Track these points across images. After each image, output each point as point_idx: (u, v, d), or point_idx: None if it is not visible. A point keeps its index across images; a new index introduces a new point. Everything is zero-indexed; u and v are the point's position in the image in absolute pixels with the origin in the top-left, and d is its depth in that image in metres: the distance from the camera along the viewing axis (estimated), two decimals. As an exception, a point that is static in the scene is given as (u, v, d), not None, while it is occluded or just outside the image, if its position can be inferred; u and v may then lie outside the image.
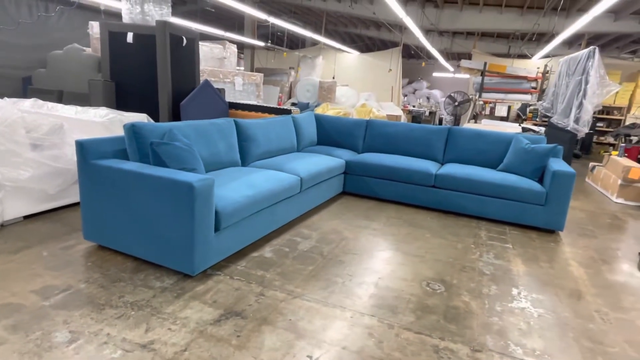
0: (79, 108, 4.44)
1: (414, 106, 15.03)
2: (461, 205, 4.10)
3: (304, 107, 9.70)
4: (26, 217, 3.25)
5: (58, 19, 8.40)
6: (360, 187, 4.54)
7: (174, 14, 12.86)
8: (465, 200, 4.08)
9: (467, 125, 9.09)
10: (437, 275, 2.75)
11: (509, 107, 10.93)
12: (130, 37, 5.57)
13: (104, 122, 3.98)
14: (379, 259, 2.94)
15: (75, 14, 8.66)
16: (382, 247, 3.17)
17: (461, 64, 11.33)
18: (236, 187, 2.79)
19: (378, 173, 4.39)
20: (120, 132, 4.05)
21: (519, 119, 11.03)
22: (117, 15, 9.74)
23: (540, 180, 4.05)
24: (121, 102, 5.77)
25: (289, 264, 2.75)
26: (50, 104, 4.56)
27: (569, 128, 6.15)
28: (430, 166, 4.27)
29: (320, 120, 5.26)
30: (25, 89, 7.53)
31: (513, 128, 8.84)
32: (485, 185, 3.95)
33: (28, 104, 4.65)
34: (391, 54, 13.90)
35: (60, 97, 6.46)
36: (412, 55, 21.03)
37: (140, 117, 4.44)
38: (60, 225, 3.16)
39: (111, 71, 5.76)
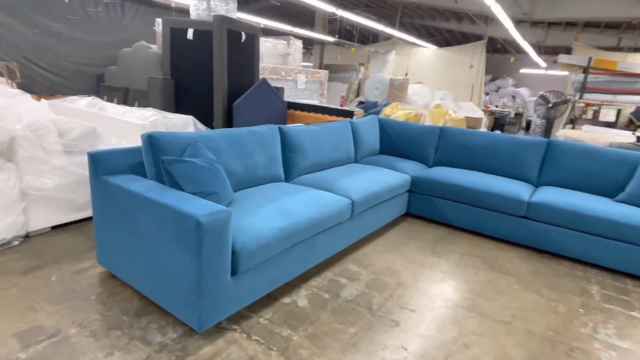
0: (127, 108, 4.23)
1: (496, 106, 13.48)
2: (562, 244, 3.16)
3: (371, 106, 8.96)
4: (54, 228, 3.03)
5: (133, 17, 8.61)
6: (428, 210, 3.77)
7: (248, 10, 12.81)
8: (568, 239, 3.13)
9: (563, 131, 7.69)
10: (531, 360, 1.96)
11: (619, 111, 9.15)
12: (190, 33, 5.30)
13: (145, 124, 3.68)
14: (446, 324, 2.21)
15: (149, 11, 8.83)
16: (452, 303, 2.42)
17: (559, 60, 9.74)
18: (266, 215, 2.24)
19: (451, 194, 3.59)
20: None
21: (631, 125, 9.19)
22: (189, 12, 9.81)
23: (682, 219, 2.96)
24: (181, 101, 5.57)
25: (325, 320, 2.14)
26: (102, 103, 4.43)
27: None
28: (521, 190, 3.36)
29: (384, 126, 4.54)
30: (98, 86, 7.79)
31: (624, 137, 7.29)
32: (598, 221, 2.98)
33: (85, 102, 4.57)
34: (473, 48, 12.55)
35: (126, 94, 6.49)
36: (498, 49, 19.08)
37: (186, 120, 4.10)
38: (85, 239, 2.87)
39: (172, 69, 5.57)
